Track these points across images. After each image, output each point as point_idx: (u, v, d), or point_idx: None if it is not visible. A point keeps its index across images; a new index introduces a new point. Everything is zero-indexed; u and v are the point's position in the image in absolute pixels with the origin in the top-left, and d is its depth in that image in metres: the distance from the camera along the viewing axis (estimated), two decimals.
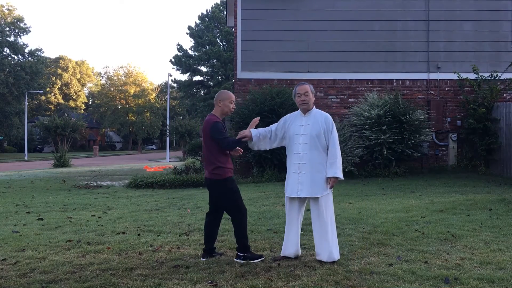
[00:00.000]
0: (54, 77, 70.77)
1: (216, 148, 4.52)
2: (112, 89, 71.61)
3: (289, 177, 4.60)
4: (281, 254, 4.62)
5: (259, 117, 4.91)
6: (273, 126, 4.77)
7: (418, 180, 11.40)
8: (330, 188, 4.46)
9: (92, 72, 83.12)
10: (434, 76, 13.76)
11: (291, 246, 4.57)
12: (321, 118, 4.54)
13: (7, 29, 51.24)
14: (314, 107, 4.69)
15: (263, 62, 13.70)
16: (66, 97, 75.21)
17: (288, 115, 4.77)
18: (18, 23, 52.17)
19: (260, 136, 4.69)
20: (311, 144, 4.47)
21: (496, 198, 8.24)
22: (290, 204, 4.62)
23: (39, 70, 51.77)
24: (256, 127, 4.80)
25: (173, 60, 45.80)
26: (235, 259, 4.52)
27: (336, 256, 4.42)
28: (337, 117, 13.00)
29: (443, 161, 13.65)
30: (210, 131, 4.49)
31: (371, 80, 13.76)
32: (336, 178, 4.44)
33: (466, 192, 9.11)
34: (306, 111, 4.62)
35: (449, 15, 13.77)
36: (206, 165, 4.60)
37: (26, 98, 43.87)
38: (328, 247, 4.40)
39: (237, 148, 4.68)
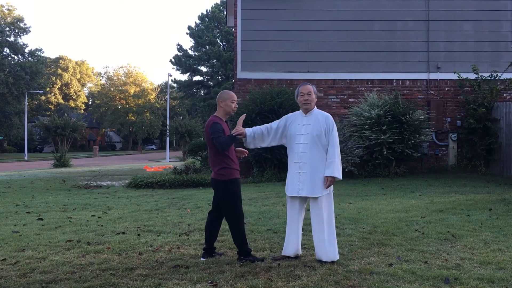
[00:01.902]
0: (54, 77, 70.74)
1: None
2: (112, 89, 71.61)
3: (290, 176, 4.61)
4: (282, 254, 4.62)
5: (245, 114, 4.96)
6: (273, 123, 4.77)
7: (418, 180, 11.39)
8: (326, 188, 4.45)
9: (92, 72, 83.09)
10: (434, 76, 13.76)
11: (291, 245, 4.57)
12: (322, 118, 4.56)
13: (7, 29, 51.22)
14: (316, 107, 4.71)
15: (263, 62, 13.69)
16: (66, 97, 75.19)
17: (289, 114, 4.78)
18: (18, 23, 52.15)
19: (254, 135, 4.70)
20: (311, 144, 4.49)
21: (496, 198, 8.24)
22: (291, 204, 4.62)
23: (39, 70, 51.75)
24: (255, 125, 4.83)
25: (173, 60, 45.82)
26: (237, 260, 4.52)
27: (336, 256, 4.42)
28: (337, 117, 13.00)
29: (443, 161, 13.65)
30: (210, 131, 4.49)
31: (371, 80, 13.76)
32: (333, 177, 4.44)
33: (466, 192, 9.11)
34: (307, 111, 4.63)
35: (449, 15, 13.77)
36: (212, 166, 4.59)
37: (26, 98, 43.87)
38: (328, 247, 4.40)
39: (242, 149, 4.70)
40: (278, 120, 4.78)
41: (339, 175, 4.45)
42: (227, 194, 4.51)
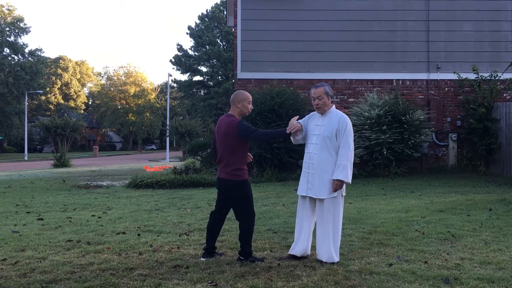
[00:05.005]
0: (54, 77, 70.80)
1: (239, 149, 4.48)
2: (112, 89, 71.65)
3: (302, 175, 4.62)
4: (289, 253, 4.58)
5: (298, 116, 4.74)
6: (302, 121, 4.70)
7: (418, 180, 11.39)
8: (334, 191, 4.38)
9: (92, 72, 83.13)
10: (434, 76, 13.76)
11: (300, 245, 4.52)
12: (335, 119, 4.46)
13: (7, 29, 51.24)
14: (334, 106, 4.63)
15: (263, 62, 13.69)
16: (66, 97, 75.22)
17: (313, 112, 4.71)
18: (18, 23, 52.17)
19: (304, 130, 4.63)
20: (321, 145, 4.44)
21: (496, 198, 8.23)
22: (302, 203, 4.60)
23: (39, 70, 51.77)
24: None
25: (173, 60, 45.82)
26: (237, 260, 4.52)
27: (336, 258, 4.39)
28: None
29: (443, 161, 13.65)
30: (238, 130, 4.43)
31: (371, 80, 13.76)
32: (340, 181, 4.35)
33: (466, 192, 9.11)
34: (322, 112, 4.57)
35: (449, 15, 13.77)
36: (224, 166, 4.51)
37: (26, 98, 43.85)
38: (329, 248, 4.37)
39: (248, 154, 4.67)
40: (306, 117, 4.72)
41: (346, 178, 4.34)
42: (241, 195, 4.49)
